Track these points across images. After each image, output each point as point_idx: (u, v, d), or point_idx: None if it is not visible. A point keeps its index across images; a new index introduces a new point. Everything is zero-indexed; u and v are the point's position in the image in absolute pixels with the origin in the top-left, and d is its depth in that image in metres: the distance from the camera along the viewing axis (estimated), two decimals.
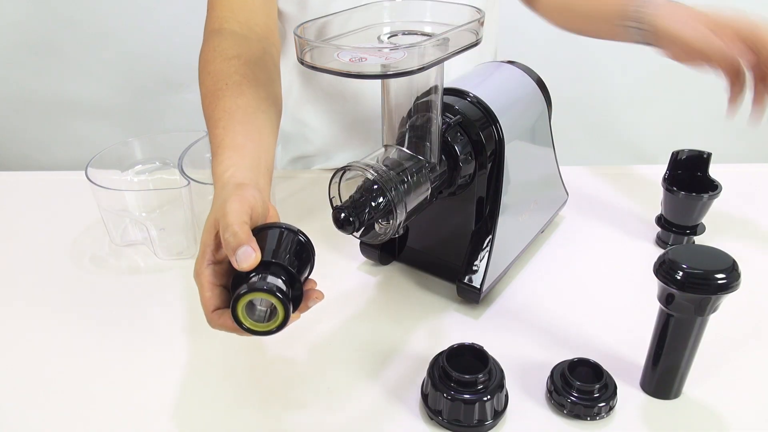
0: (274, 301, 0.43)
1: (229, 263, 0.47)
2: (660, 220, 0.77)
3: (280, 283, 0.44)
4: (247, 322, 0.45)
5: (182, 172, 0.73)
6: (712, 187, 0.73)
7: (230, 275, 0.49)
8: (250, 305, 0.45)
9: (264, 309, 0.46)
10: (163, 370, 0.59)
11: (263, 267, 0.45)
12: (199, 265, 0.48)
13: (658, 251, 0.51)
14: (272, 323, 0.44)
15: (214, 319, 0.47)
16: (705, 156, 0.75)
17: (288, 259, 0.47)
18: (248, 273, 0.45)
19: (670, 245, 0.74)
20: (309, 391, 0.57)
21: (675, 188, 0.72)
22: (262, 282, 0.43)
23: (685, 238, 0.75)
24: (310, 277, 0.51)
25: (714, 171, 0.72)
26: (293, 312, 0.46)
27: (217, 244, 0.48)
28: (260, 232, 0.48)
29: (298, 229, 0.50)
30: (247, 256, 0.44)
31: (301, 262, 0.48)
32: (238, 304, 0.43)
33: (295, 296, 0.47)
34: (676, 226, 0.75)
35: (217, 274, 0.48)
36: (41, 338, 0.64)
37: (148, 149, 0.86)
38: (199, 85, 0.64)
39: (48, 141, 1.97)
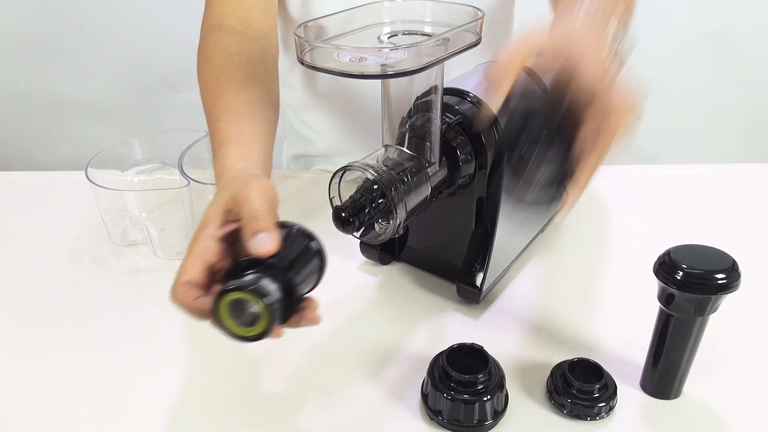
0: (259, 308, 0.40)
1: (228, 246, 0.45)
2: None
3: (273, 290, 0.41)
4: (228, 322, 0.41)
5: (182, 172, 0.73)
6: None
7: (222, 258, 0.46)
8: (237, 304, 0.42)
9: (254, 312, 0.43)
10: (163, 370, 0.59)
11: (263, 267, 0.43)
12: (197, 235, 0.46)
13: (659, 250, 0.51)
14: (251, 330, 0.41)
15: (180, 290, 0.44)
16: None
17: (294, 266, 0.44)
18: (245, 269, 0.43)
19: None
20: (309, 391, 0.57)
21: None
22: (254, 284, 0.40)
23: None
24: (315, 288, 0.48)
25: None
26: (283, 323, 0.44)
27: (223, 221, 0.46)
28: None
29: (313, 235, 0.47)
30: (266, 243, 0.42)
31: (306, 273, 0.45)
32: (222, 298, 0.40)
33: (288, 307, 0.44)
34: None
35: (212, 251, 0.45)
36: (41, 338, 0.64)
37: (148, 149, 0.86)
38: (198, 79, 0.63)
39: (48, 141, 1.97)
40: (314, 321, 0.46)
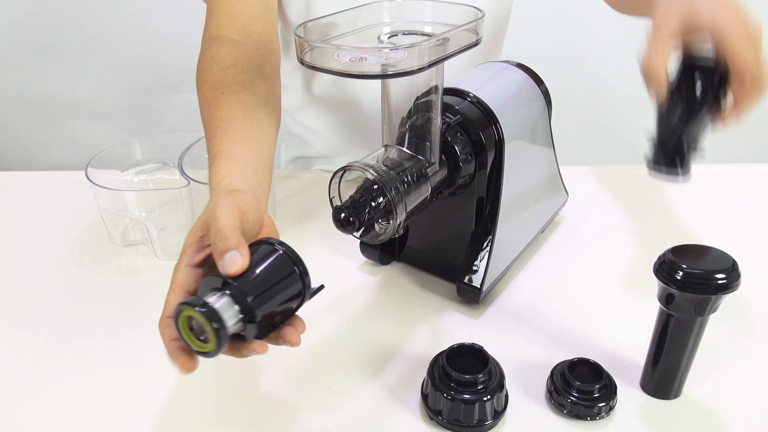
0: (207, 328, 0.40)
1: (208, 269, 0.45)
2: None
3: (231, 312, 0.41)
4: (185, 334, 0.41)
5: (182, 172, 0.73)
6: None
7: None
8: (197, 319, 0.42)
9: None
10: (163, 370, 0.59)
11: (230, 287, 0.42)
12: (177, 265, 0.46)
13: (659, 250, 0.51)
14: (205, 347, 0.41)
15: (163, 324, 0.44)
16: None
17: (267, 289, 0.43)
18: (218, 282, 0.42)
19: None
20: (309, 391, 0.57)
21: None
22: (206, 306, 0.40)
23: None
24: (295, 311, 0.46)
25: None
26: (258, 338, 0.43)
27: (199, 247, 0.46)
28: (252, 246, 0.45)
29: (298, 257, 0.45)
30: (234, 262, 0.42)
31: (281, 297, 0.44)
32: (180, 312, 0.41)
33: (251, 327, 0.42)
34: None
35: (190, 279, 0.45)
36: (41, 338, 0.64)
37: (148, 149, 0.86)
38: (197, 93, 0.63)
39: (48, 141, 1.97)
40: (292, 343, 0.45)
